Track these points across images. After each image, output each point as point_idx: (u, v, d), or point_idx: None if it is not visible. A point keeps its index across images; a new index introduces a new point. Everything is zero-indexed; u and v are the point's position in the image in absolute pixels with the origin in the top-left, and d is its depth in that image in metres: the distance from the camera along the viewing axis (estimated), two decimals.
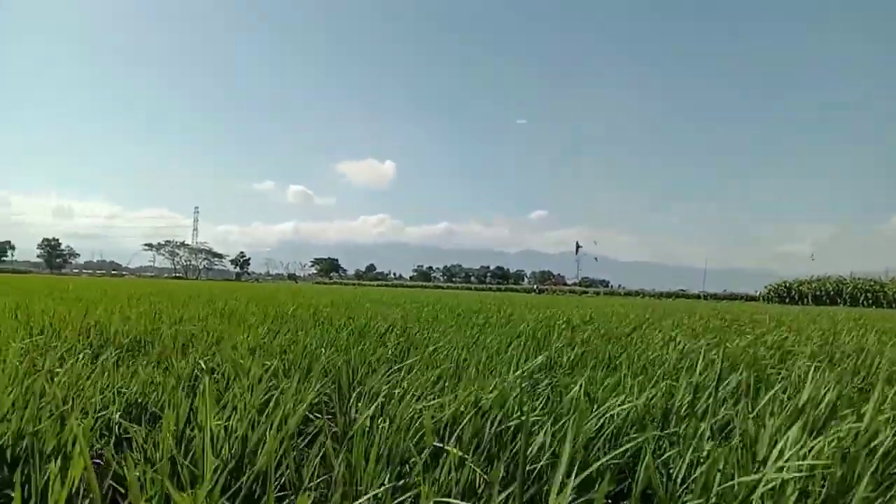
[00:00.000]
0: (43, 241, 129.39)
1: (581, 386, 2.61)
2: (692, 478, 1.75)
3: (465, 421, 2.00)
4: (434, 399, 2.40)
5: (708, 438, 2.03)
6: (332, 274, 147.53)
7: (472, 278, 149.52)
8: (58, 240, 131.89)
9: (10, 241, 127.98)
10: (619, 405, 2.32)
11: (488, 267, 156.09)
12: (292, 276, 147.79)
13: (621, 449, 1.88)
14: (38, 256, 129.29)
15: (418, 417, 2.11)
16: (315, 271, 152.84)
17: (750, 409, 2.44)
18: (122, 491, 1.82)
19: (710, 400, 2.50)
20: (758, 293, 68.49)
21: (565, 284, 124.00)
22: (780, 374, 3.72)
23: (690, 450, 1.86)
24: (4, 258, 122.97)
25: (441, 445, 1.83)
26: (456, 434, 1.91)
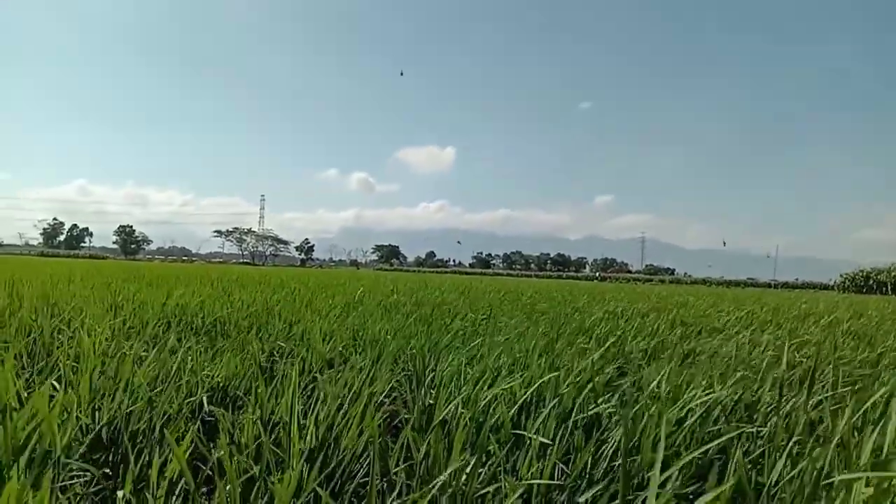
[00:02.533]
0: (119, 228, 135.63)
1: (659, 377, 2.53)
2: (787, 477, 1.66)
3: (545, 410, 1.97)
4: (500, 387, 2.37)
5: (795, 435, 1.94)
6: (392, 261, 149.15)
7: (532, 265, 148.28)
8: (132, 227, 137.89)
9: (87, 228, 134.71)
10: (700, 398, 2.24)
11: (548, 254, 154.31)
12: (354, 263, 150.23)
13: (712, 444, 1.81)
14: (113, 243, 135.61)
15: (494, 404, 2.09)
16: (376, 258, 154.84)
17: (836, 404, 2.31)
18: (209, 473, 1.88)
19: (795, 395, 2.39)
20: (832, 282, 65.30)
21: (629, 272, 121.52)
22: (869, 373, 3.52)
23: (786, 449, 1.77)
24: (83, 244, 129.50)
25: (522, 433, 1.80)
26: (536, 423, 1.88)
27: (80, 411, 1.73)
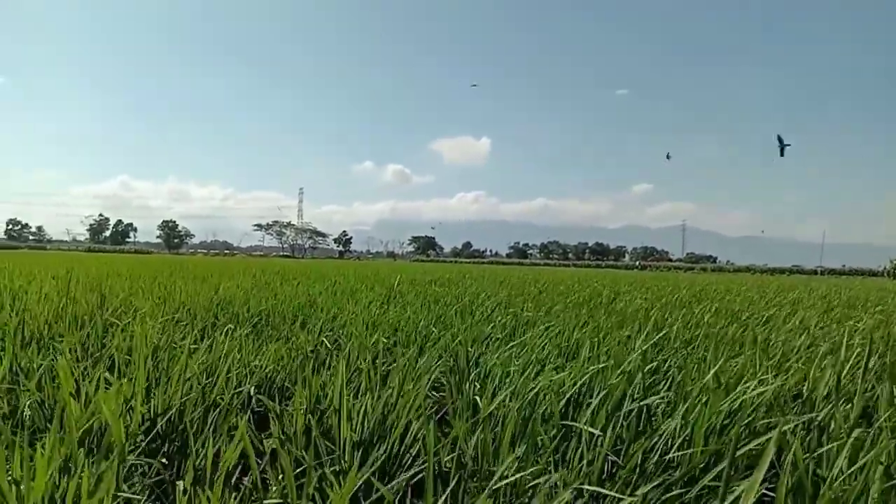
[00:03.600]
0: (162, 223, 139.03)
1: (709, 367, 2.48)
2: (850, 471, 1.60)
3: (593, 401, 1.94)
4: (550, 378, 2.35)
5: (851, 427, 1.87)
6: (428, 252, 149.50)
7: (570, 255, 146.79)
8: (175, 221, 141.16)
9: (132, 223, 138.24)
10: (752, 389, 2.18)
11: (587, 243, 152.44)
12: (391, 254, 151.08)
13: (765, 437, 1.76)
14: (157, 237, 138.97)
15: (541, 395, 2.07)
16: (412, 249, 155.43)
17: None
18: (258, 462, 1.91)
19: (850, 384, 2.31)
20: (882, 268, 63.07)
21: (669, 260, 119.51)
22: None
23: (848, 440, 1.71)
24: (128, 239, 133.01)
25: (571, 424, 1.78)
26: (586, 414, 1.85)
27: (136, 402, 1.77)
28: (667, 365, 2.84)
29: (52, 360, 2.48)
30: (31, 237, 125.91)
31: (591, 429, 1.68)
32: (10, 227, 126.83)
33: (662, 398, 2.12)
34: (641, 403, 2.00)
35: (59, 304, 3.92)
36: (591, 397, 2.12)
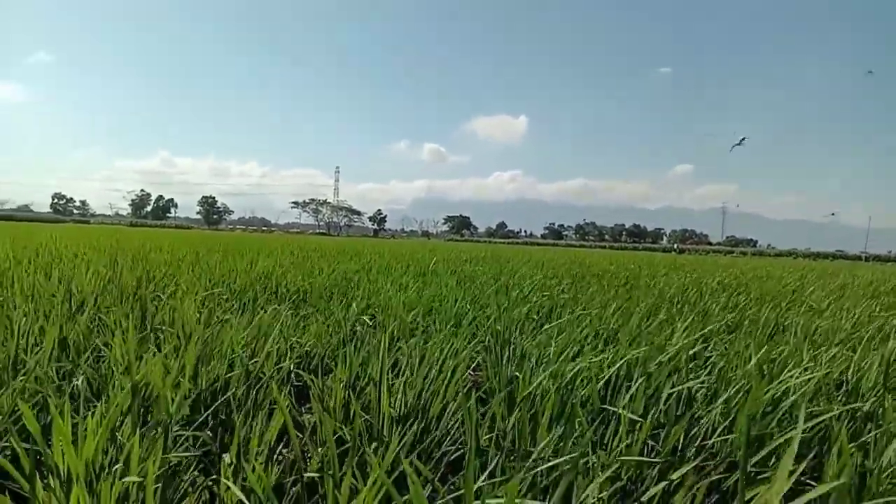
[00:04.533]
0: (202, 199, 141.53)
1: (750, 353, 2.43)
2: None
3: (632, 385, 1.92)
4: (588, 360, 2.33)
5: None
6: (463, 231, 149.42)
7: (606, 236, 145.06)
8: (214, 198, 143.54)
9: (173, 199, 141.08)
10: (796, 376, 2.13)
11: (623, 225, 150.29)
12: (426, 234, 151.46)
13: (812, 422, 1.71)
14: (197, 213, 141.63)
15: (579, 378, 2.06)
16: (447, 228, 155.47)
17: None
18: (299, 435, 1.94)
19: None
20: None
21: (708, 244, 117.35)
22: None
23: None
24: (169, 215, 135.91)
25: (610, 408, 1.76)
26: (625, 398, 1.83)
27: (183, 376, 1.81)
28: (707, 350, 2.79)
29: (100, 332, 2.55)
30: (75, 211, 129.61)
31: (631, 415, 1.66)
32: (56, 201, 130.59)
33: (703, 383, 2.09)
34: (681, 388, 1.98)
35: (106, 277, 4.02)
36: (629, 381, 2.10)
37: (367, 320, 3.58)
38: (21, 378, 1.83)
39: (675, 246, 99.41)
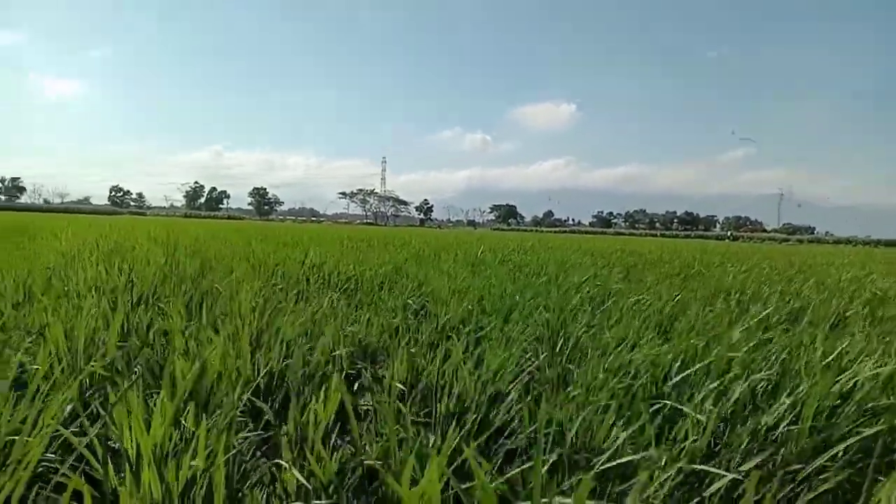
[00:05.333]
0: (253, 190, 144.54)
1: (815, 344, 2.34)
2: None
3: (696, 376, 1.87)
4: (645, 351, 2.28)
5: None
6: (509, 220, 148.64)
7: (657, 224, 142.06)
8: (265, 189, 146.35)
9: (226, 191, 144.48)
10: (865, 369, 2.04)
11: (675, 212, 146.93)
12: (471, 223, 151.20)
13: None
14: (248, 204, 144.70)
15: (642, 371, 2.01)
16: (493, 217, 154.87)
17: None
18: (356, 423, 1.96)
19: None
20: None
21: (763, 231, 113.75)
22: None
23: None
24: (221, 206, 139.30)
25: (674, 405, 1.72)
26: (687, 392, 1.78)
27: (241, 362, 1.85)
28: (769, 341, 2.70)
29: (161, 319, 2.63)
30: (132, 203, 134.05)
31: (696, 415, 1.62)
32: (113, 193, 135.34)
33: (766, 377, 2.02)
34: (744, 382, 1.91)
35: (165, 267, 4.15)
36: (689, 373, 2.05)
37: (418, 309, 3.60)
38: (92, 363, 1.90)
39: (729, 233, 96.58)
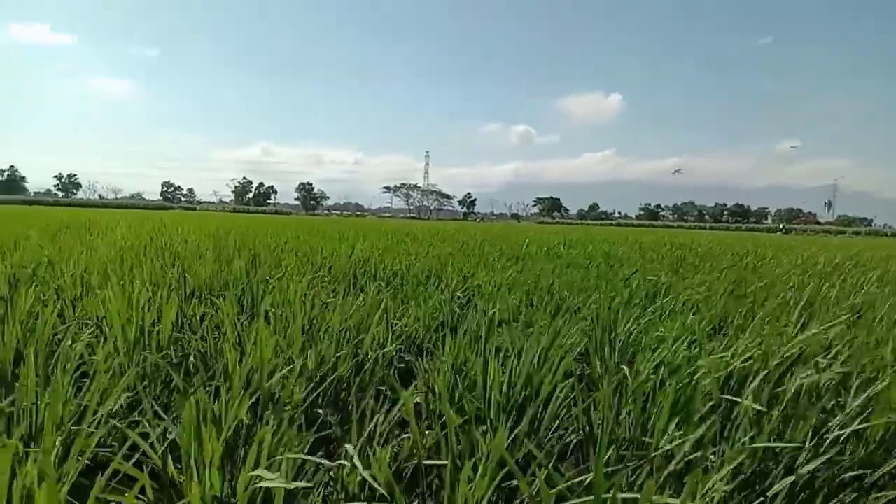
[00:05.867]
0: (299, 186, 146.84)
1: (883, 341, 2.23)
2: None
3: (754, 374, 1.80)
4: (701, 347, 2.22)
5: None
6: (553, 213, 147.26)
7: (706, 216, 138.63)
8: (311, 184, 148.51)
9: (273, 186, 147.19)
10: None
11: (725, 204, 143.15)
12: (515, 216, 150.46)
13: None
14: (295, 199, 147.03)
15: (699, 368, 1.95)
16: (536, 211, 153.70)
17: None
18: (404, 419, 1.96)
19: None
20: None
21: (817, 223, 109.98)
22: None
23: None
24: (269, 201, 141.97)
25: (733, 399, 1.66)
26: (745, 387, 1.72)
27: (293, 355, 1.86)
28: (830, 339, 2.59)
29: (214, 312, 2.67)
30: (182, 198, 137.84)
31: (755, 406, 1.56)
32: (165, 189, 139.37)
33: (831, 376, 1.93)
34: (806, 379, 1.83)
35: (216, 260, 4.23)
36: (746, 370, 1.97)
37: (465, 302, 3.58)
38: (147, 353, 1.94)
39: (781, 226, 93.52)
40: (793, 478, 1.37)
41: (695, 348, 2.24)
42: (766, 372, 1.84)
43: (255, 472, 1.12)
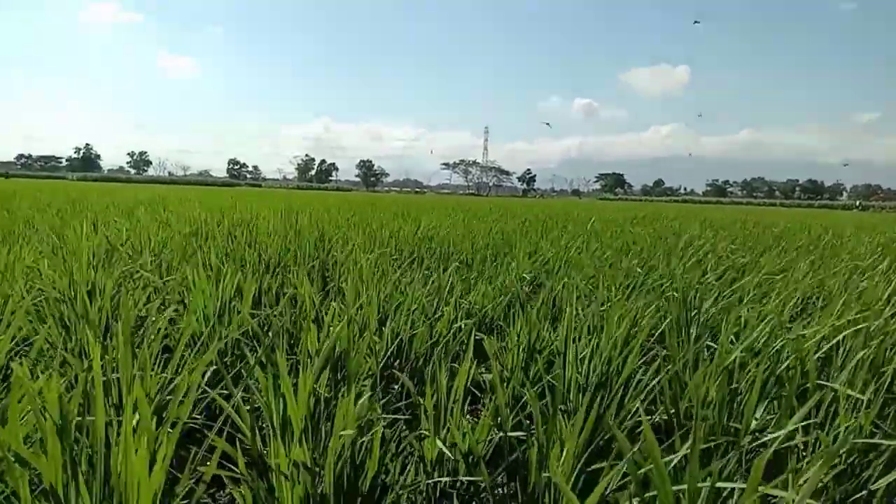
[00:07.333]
0: (360, 163, 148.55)
1: None
2: None
3: (847, 355, 1.71)
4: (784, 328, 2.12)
5: None
6: (616, 190, 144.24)
7: (777, 192, 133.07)
8: (371, 161, 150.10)
9: (334, 163, 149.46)
10: None
11: (797, 180, 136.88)
12: (576, 192, 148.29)
13: None
14: (356, 176, 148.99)
15: (789, 351, 1.87)
16: (599, 187, 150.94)
17: None
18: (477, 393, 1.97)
19: None
20: None
21: None
22: None
23: None
24: (330, 178, 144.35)
25: (825, 384, 1.58)
26: (844, 371, 1.63)
27: (370, 332, 1.88)
28: None
29: (289, 288, 2.73)
30: (248, 175, 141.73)
31: (853, 393, 1.48)
32: (231, 166, 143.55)
33: None
34: None
35: (287, 237, 4.33)
36: (837, 353, 1.88)
37: (531, 280, 3.55)
38: (231, 325, 2.00)
39: (858, 203, 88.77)
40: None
41: (779, 329, 2.15)
42: (863, 351, 1.74)
43: (347, 432, 1.14)
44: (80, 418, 1.15)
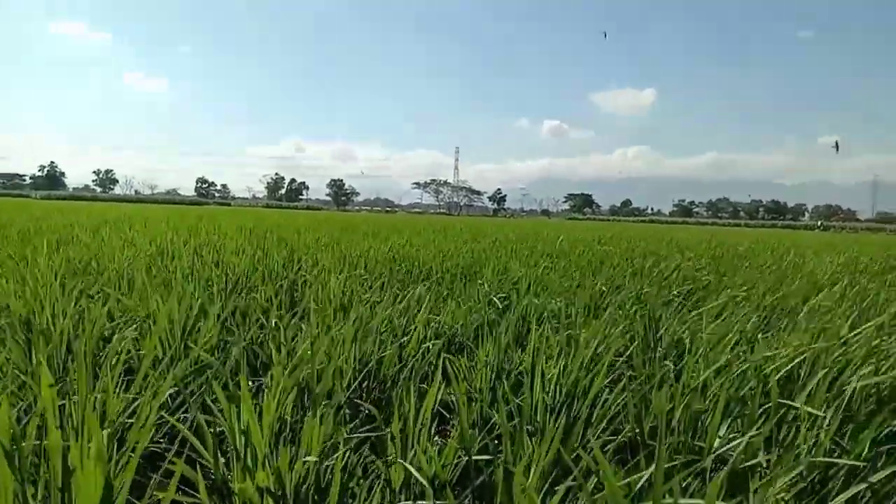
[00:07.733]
0: (330, 182, 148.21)
1: None
2: None
3: (808, 376, 1.75)
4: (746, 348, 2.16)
5: None
6: (585, 210, 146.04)
7: (741, 213, 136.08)
8: (342, 180, 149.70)
9: (305, 182, 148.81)
10: None
11: (760, 201, 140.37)
12: (545, 212, 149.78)
13: None
14: (326, 195, 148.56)
15: (751, 370, 1.90)
16: (568, 207, 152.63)
17: None
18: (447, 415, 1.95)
19: None
20: None
21: (857, 220, 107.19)
22: None
23: None
24: (301, 197, 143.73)
25: (789, 403, 1.61)
26: (807, 391, 1.66)
27: (340, 353, 1.86)
28: (884, 341, 2.50)
29: (255, 309, 2.70)
30: (216, 194, 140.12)
31: (812, 411, 1.51)
32: (199, 185, 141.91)
33: (893, 378, 1.86)
34: (867, 382, 1.77)
35: (254, 256, 4.28)
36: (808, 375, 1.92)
37: (500, 302, 3.56)
38: (191, 346, 1.96)
39: (819, 223, 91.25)
40: (859, 488, 1.32)
41: (741, 348, 2.19)
42: (823, 371, 1.77)
43: (310, 459, 1.12)
44: (37, 442, 1.12)
